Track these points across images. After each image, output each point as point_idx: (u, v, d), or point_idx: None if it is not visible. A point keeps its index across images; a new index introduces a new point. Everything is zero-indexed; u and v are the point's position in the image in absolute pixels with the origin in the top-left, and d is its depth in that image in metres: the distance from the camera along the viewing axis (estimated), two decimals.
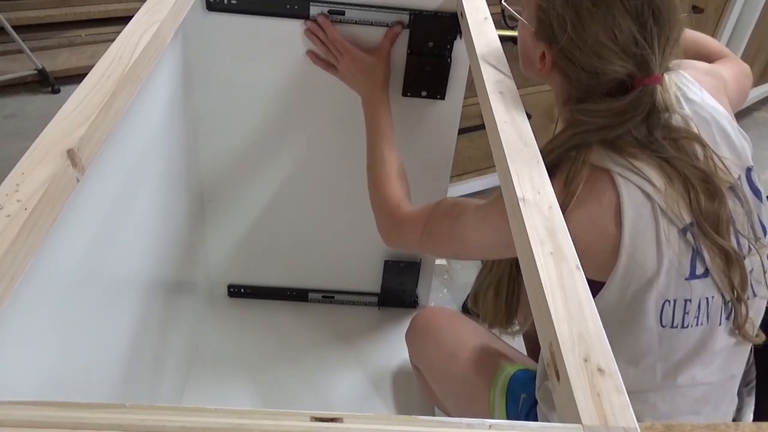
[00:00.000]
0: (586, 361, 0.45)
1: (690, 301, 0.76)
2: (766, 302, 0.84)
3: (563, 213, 0.68)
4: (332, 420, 0.40)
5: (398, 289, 1.46)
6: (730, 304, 0.79)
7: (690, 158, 0.78)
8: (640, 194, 0.74)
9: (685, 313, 0.77)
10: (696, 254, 0.76)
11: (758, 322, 0.84)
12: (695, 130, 0.80)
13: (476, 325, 1.11)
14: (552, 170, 0.75)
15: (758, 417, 1.09)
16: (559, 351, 0.46)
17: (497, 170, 0.72)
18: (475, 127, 1.58)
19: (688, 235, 0.75)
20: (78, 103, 0.64)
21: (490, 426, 0.40)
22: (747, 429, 0.44)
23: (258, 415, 0.40)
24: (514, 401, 0.97)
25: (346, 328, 1.43)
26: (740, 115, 2.61)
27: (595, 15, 0.75)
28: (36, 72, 2.44)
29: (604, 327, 0.71)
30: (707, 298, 0.77)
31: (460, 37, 1.06)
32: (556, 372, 0.47)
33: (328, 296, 1.48)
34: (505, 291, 0.95)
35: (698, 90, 0.85)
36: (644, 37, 0.75)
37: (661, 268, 0.74)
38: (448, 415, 1.15)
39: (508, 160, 0.67)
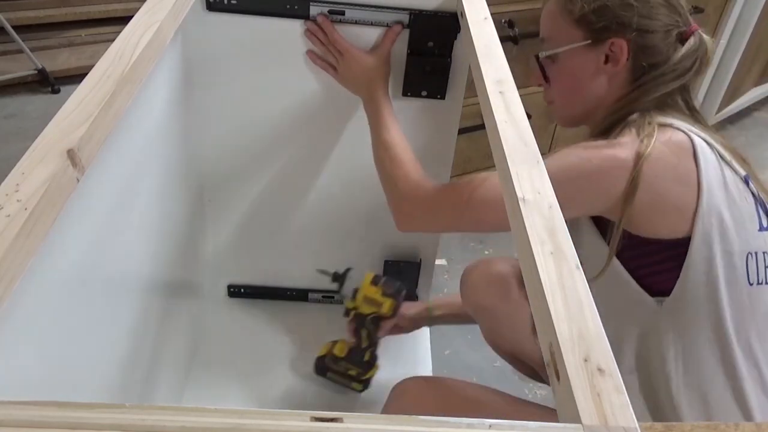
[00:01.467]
0: (586, 361, 0.45)
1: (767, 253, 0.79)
2: None
3: (640, 164, 0.75)
4: (332, 420, 0.40)
5: None
6: None
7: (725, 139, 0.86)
8: (703, 143, 0.80)
9: (766, 267, 0.78)
10: (759, 205, 0.79)
11: None
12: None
13: (471, 384, 1.03)
14: (612, 127, 0.85)
15: None
16: (559, 351, 0.46)
17: (497, 170, 0.72)
18: (475, 127, 1.58)
19: (750, 185, 0.80)
20: (78, 103, 0.64)
21: (490, 426, 0.40)
22: (747, 429, 0.44)
23: (258, 415, 0.40)
24: None
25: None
26: (740, 115, 2.60)
27: None
28: (36, 72, 2.44)
29: (699, 296, 0.76)
30: None
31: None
32: (555, 372, 0.47)
33: (328, 296, 1.48)
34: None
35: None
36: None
37: (735, 218, 0.77)
38: None
39: (508, 160, 0.67)
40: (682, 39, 0.87)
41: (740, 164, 0.82)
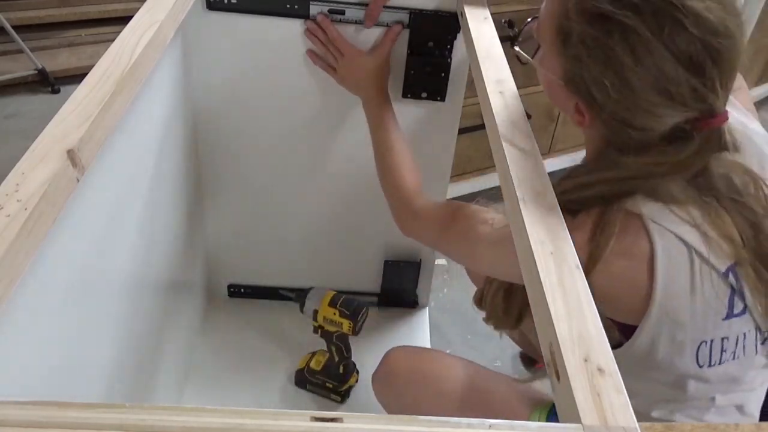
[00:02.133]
0: (586, 361, 0.45)
1: (727, 339, 0.73)
2: None
3: (589, 266, 0.65)
4: (332, 420, 0.40)
5: (398, 289, 1.46)
6: (766, 333, 0.76)
7: (740, 195, 0.72)
8: (676, 241, 0.69)
9: (722, 351, 0.74)
10: (734, 294, 0.72)
11: None
12: (744, 160, 0.74)
13: (464, 361, 1.04)
14: (573, 212, 0.69)
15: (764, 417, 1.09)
16: (559, 351, 0.46)
17: (497, 170, 0.72)
18: (475, 127, 1.58)
19: (730, 276, 0.70)
20: (78, 103, 0.64)
21: (490, 426, 0.40)
22: (747, 429, 0.44)
23: (258, 415, 0.40)
24: None
25: None
26: None
27: (641, 73, 0.66)
28: (36, 72, 2.44)
29: (634, 368, 0.68)
30: (744, 333, 0.74)
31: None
32: (556, 372, 0.47)
33: None
34: (519, 294, 0.88)
35: (736, 113, 0.77)
36: (704, 84, 0.65)
37: (695, 315, 0.71)
38: None
39: (508, 160, 0.67)
40: (689, 131, 0.68)
41: (730, 246, 0.70)
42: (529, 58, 0.82)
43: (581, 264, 0.56)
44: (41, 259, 0.56)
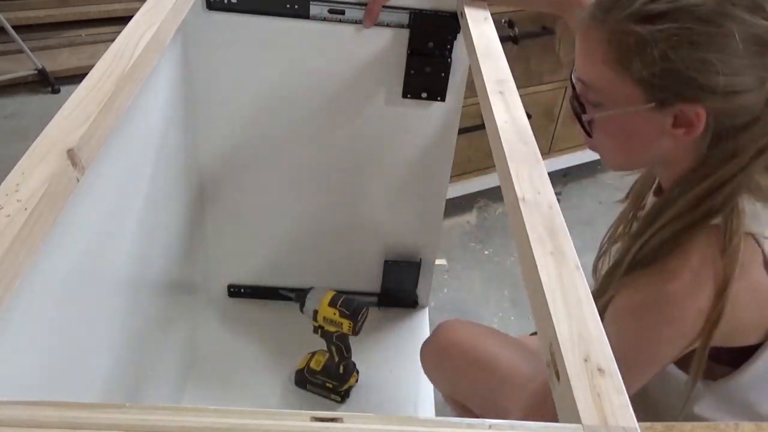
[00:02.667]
0: (586, 361, 0.45)
1: None
2: None
3: (725, 288, 0.64)
4: (332, 420, 0.40)
5: (398, 289, 1.46)
6: None
7: None
8: None
9: None
10: None
11: None
12: None
13: (498, 332, 1.03)
14: (679, 242, 0.68)
15: None
16: (559, 351, 0.46)
17: (497, 170, 0.72)
18: (475, 127, 1.58)
19: None
20: (78, 103, 0.64)
21: (490, 426, 0.40)
22: (747, 429, 0.44)
23: (258, 415, 0.40)
24: None
25: None
26: None
27: (728, 32, 0.65)
28: (36, 72, 2.44)
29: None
30: None
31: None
32: (556, 372, 0.47)
33: None
34: None
35: None
36: None
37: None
38: None
39: (508, 160, 0.67)
40: None
41: None
42: (599, 115, 0.75)
43: (705, 315, 0.57)
44: (41, 259, 0.56)
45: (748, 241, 0.68)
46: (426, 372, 1.05)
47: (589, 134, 0.77)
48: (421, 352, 1.06)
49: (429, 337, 1.05)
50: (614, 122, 0.73)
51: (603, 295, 0.75)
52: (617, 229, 0.87)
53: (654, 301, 0.69)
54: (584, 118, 0.76)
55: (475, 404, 0.98)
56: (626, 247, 0.75)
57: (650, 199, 0.84)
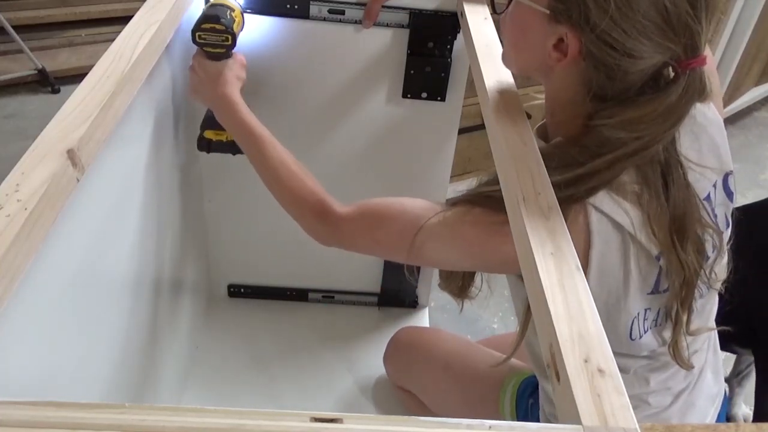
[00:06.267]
0: (586, 361, 0.45)
1: (650, 309, 0.75)
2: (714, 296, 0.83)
3: None
4: (332, 420, 0.40)
5: (398, 289, 1.46)
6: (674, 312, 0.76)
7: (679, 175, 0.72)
8: (610, 228, 0.68)
9: (645, 319, 0.75)
10: (661, 273, 0.72)
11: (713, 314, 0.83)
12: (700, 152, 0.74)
13: (456, 336, 1.17)
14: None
15: (758, 418, 1.09)
16: (559, 351, 0.46)
17: (497, 170, 0.72)
18: (475, 127, 1.58)
19: (661, 260, 0.71)
20: (78, 103, 0.64)
21: (489, 427, 0.40)
22: (747, 429, 0.44)
23: (258, 415, 0.40)
24: (523, 408, 0.96)
25: (346, 328, 1.43)
26: (740, 115, 2.60)
27: None
28: (36, 72, 2.44)
29: None
30: (659, 309, 0.76)
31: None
32: (556, 372, 0.47)
33: (328, 296, 1.48)
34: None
35: (711, 113, 0.77)
36: (695, 15, 0.64)
37: (627, 294, 0.71)
38: None
39: (508, 160, 0.67)
40: (665, 78, 0.68)
41: (663, 232, 0.69)
42: None
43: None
44: (41, 259, 0.56)
45: (578, 215, 0.68)
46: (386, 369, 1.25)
47: (494, 10, 0.78)
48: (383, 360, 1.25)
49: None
50: (518, 12, 0.73)
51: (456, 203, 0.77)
52: None
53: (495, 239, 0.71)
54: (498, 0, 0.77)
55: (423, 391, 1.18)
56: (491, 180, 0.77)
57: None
